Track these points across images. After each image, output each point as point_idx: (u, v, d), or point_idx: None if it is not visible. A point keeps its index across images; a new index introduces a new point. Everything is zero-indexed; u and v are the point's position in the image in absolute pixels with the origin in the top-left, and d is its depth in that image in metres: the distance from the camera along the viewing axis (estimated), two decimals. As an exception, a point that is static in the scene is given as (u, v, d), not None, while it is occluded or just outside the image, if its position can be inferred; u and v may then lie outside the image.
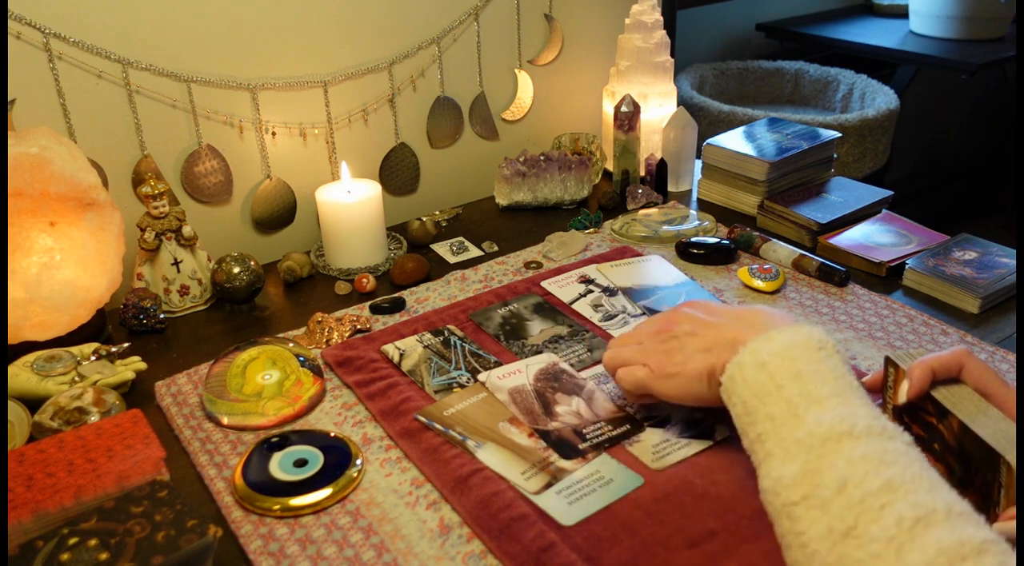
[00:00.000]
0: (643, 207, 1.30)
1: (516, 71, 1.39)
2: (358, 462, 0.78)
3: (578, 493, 0.73)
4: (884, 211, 1.23)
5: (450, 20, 1.28)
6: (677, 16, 1.87)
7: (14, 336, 0.90)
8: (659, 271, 1.11)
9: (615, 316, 1.01)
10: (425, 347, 0.95)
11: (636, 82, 1.36)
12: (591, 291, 1.06)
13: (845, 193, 1.25)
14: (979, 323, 0.99)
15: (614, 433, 0.80)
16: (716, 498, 0.71)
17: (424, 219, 1.25)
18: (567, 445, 0.78)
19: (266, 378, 0.89)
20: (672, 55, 1.39)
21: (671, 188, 1.38)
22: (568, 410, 0.83)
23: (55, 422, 0.81)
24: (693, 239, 1.16)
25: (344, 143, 1.25)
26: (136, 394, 0.92)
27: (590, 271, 1.11)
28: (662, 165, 1.32)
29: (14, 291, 0.90)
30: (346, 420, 0.86)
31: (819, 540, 0.56)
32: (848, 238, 1.14)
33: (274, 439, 0.81)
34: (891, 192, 1.25)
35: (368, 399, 0.87)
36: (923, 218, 1.21)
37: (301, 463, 0.78)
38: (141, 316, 1.01)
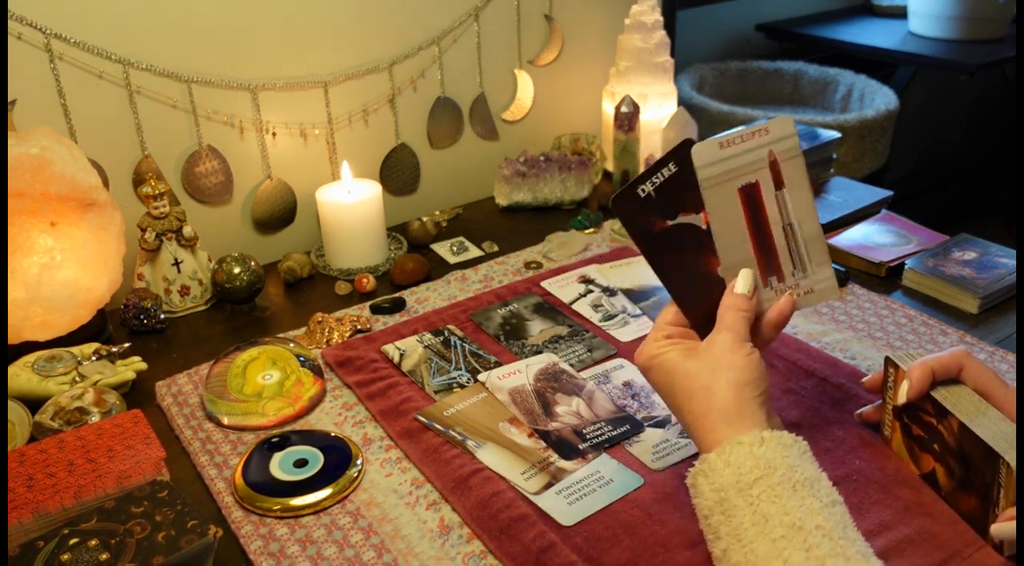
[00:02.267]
0: (643, 207, 1.30)
1: (516, 71, 1.39)
2: (358, 462, 0.78)
3: (578, 493, 0.73)
4: (884, 211, 1.23)
5: (450, 20, 1.28)
6: (677, 16, 1.86)
7: (15, 336, 0.90)
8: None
9: (615, 316, 1.01)
10: (425, 347, 0.95)
11: (636, 82, 1.36)
12: (591, 291, 1.07)
13: (845, 193, 1.25)
14: (978, 323, 0.99)
15: (614, 433, 0.80)
16: (716, 498, 0.71)
17: (424, 219, 1.26)
18: (567, 445, 0.78)
19: (266, 378, 0.89)
20: (672, 55, 1.39)
21: (671, 188, 1.38)
22: (568, 410, 0.83)
23: (56, 422, 0.81)
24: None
25: (344, 143, 1.25)
26: (136, 394, 0.92)
27: (590, 271, 1.11)
28: (662, 165, 1.32)
29: (15, 291, 0.90)
30: (346, 420, 0.86)
31: None
32: (848, 238, 1.14)
33: (274, 439, 0.81)
34: (891, 192, 1.26)
35: (368, 399, 0.87)
36: (923, 218, 1.21)
37: (301, 463, 0.78)
38: (142, 316, 1.02)
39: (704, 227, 0.72)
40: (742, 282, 0.71)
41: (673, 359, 0.68)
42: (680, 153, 0.71)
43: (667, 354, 0.69)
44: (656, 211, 0.71)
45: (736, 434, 0.63)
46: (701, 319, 0.71)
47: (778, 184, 0.72)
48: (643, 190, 0.71)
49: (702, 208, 0.71)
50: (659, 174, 0.71)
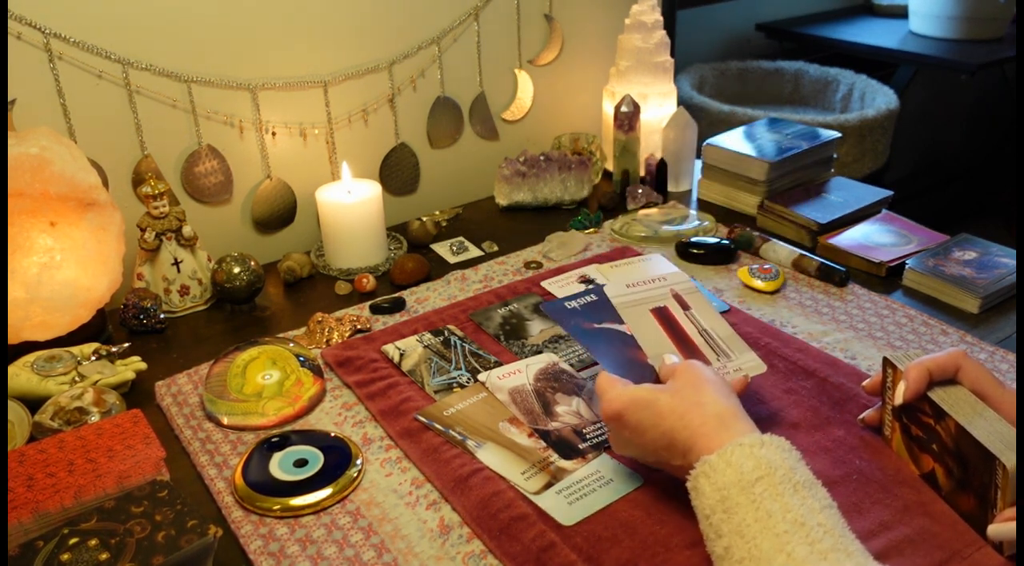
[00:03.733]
0: (643, 207, 1.30)
1: (516, 71, 1.39)
2: (358, 462, 0.78)
3: (578, 493, 0.73)
4: (884, 211, 1.23)
5: (450, 20, 1.28)
6: (677, 16, 1.87)
7: (14, 336, 0.90)
8: (659, 271, 1.10)
9: (615, 316, 1.01)
10: (425, 347, 0.95)
11: (636, 82, 1.36)
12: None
13: (845, 193, 1.25)
14: (979, 323, 0.99)
15: (614, 433, 0.80)
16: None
17: (424, 219, 1.26)
18: (567, 445, 0.78)
19: (266, 378, 0.89)
20: (672, 55, 1.39)
21: (671, 188, 1.38)
22: (568, 410, 0.83)
23: (55, 422, 0.81)
24: (693, 239, 1.16)
25: (344, 143, 1.25)
26: (136, 394, 0.92)
27: (590, 271, 1.11)
28: (662, 165, 1.32)
29: (14, 291, 0.90)
30: (346, 420, 0.86)
31: None
32: (848, 238, 1.14)
33: (274, 439, 0.81)
34: (891, 192, 1.25)
35: (368, 399, 0.87)
36: (923, 218, 1.21)
37: (301, 463, 0.78)
38: (141, 316, 1.02)
39: (628, 334, 0.82)
40: (673, 357, 0.77)
41: (650, 391, 0.69)
42: (597, 287, 0.88)
43: (640, 391, 0.69)
44: (584, 318, 0.84)
45: (734, 437, 0.63)
46: None
47: (684, 307, 0.87)
48: (570, 305, 0.85)
49: (622, 322, 0.84)
50: (583, 297, 0.86)
